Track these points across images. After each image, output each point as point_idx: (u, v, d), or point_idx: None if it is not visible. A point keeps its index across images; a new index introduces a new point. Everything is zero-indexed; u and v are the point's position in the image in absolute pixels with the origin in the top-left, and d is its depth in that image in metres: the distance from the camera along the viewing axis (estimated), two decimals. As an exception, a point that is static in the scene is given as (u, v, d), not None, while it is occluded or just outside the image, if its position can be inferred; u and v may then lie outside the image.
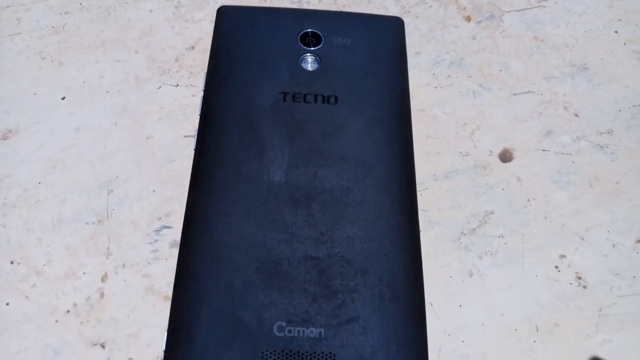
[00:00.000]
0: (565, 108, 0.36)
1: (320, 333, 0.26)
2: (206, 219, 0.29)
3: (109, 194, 0.31)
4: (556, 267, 0.30)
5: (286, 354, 0.26)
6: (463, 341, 0.28)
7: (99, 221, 0.30)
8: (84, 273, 0.29)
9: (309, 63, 0.34)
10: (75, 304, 0.28)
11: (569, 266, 0.30)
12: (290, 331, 0.26)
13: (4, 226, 0.30)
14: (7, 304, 0.28)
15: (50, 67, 0.35)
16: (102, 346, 0.27)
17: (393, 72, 0.34)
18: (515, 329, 0.29)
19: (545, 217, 0.32)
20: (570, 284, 0.30)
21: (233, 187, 0.30)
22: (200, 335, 0.26)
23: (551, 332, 0.29)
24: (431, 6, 0.39)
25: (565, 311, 0.29)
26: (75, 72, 0.35)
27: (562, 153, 0.34)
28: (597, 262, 0.31)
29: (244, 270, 0.27)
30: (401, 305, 0.27)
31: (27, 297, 0.28)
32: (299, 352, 0.26)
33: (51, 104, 0.34)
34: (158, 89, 0.35)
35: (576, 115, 0.35)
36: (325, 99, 0.33)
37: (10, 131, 0.33)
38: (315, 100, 0.33)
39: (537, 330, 0.29)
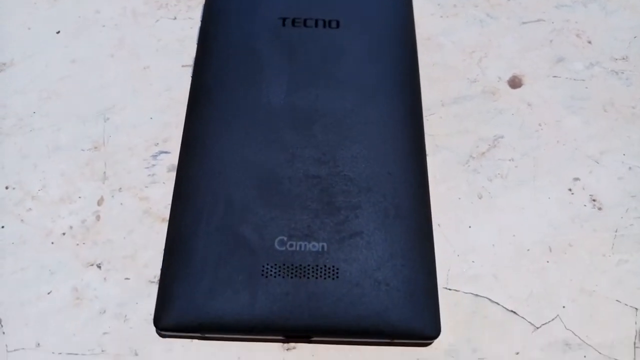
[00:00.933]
0: (577, 35, 0.34)
1: (322, 247, 0.25)
2: (205, 140, 0.28)
3: (105, 121, 0.30)
4: (569, 189, 0.29)
5: (288, 267, 0.25)
6: (473, 262, 0.27)
7: (95, 147, 0.29)
8: (79, 197, 0.28)
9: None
10: (71, 227, 0.27)
11: (583, 189, 0.29)
12: (292, 245, 0.25)
13: (-1, 153, 0.29)
14: (2, 226, 0.27)
15: (45, 3, 0.35)
16: (99, 267, 0.26)
17: (398, 3, 0.33)
18: (528, 250, 0.27)
19: (558, 141, 0.30)
20: (585, 205, 0.29)
21: (232, 109, 0.29)
22: (198, 252, 0.25)
23: (565, 252, 0.27)
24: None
25: (579, 232, 0.28)
26: (70, 6, 0.34)
27: (574, 79, 0.33)
28: (612, 184, 0.29)
29: (243, 188, 0.26)
30: (406, 222, 0.26)
31: (22, 220, 0.27)
32: (300, 265, 0.25)
33: (46, 38, 0.33)
34: (156, 22, 0.34)
35: (589, 42, 0.34)
36: (327, 24, 0.32)
37: (4, 64, 0.32)
38: (316, 25, 0.31)
39: (550, 250, 0.27)
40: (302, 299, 0.24)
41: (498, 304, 0.26)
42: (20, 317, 0.25)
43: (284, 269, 0.25)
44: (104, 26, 0.34)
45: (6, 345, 0.24)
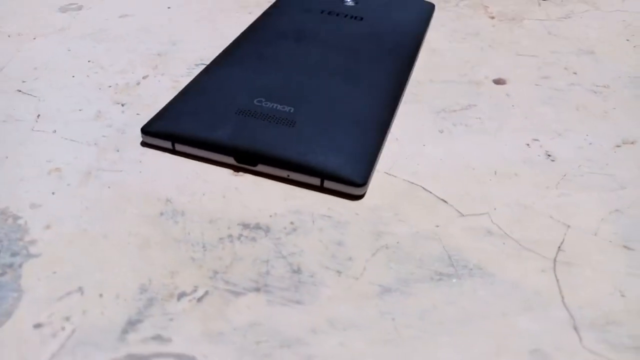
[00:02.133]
0: (565, 68, 0.40)
1: (290, 110, 0.31)
2: (238, 47, 0.37)
3: (173, 44, 0.40)
4: (527, 144, 0.32)
5: (256, 114, 0.30)
6: (418, 164, 0.30)
7: (159, 54, 0.39)
8: (132, 73, 0.36)
9: (349, 2, 0.43)
10: (117, 84, 0.35)
11: (541, 146, 0.32)
12: (266, 104, 0.31)
13: None
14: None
15: None
16: (122, 105, 0.33)
17: (413, 25, 0.42)
18: (473, 168, 0.30)
19: (526, 117, 0.34)
20: (539, 156, 0.31)
21: (268, 35, 0.38)
22: (195, 95, 0.32)
23: (510, 178, 0.29)
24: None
25: (528, 169, 0.30)
26: None
27: (555, 89, 0.37)
28: (570, 149, 0.32)
29: (255, 73, 0.34)
30: (365, 112, 0.31)
31: (88, 76, 0.36)
32: (267, 115, 0.30)
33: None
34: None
35: (575, 73, 0.39)
36: (353, 17, 0.41)
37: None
38: (345, 16, 0.41)
39: (495, 174, 0.30)
40: (257, 132, 0.29)
41: (431, 192, 0.28)
42: (56, 117, 0.32)
43: (252, 114, 0.30)
44: None
45: (32, 129, 0.31)
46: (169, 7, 0.46)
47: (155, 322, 0.22)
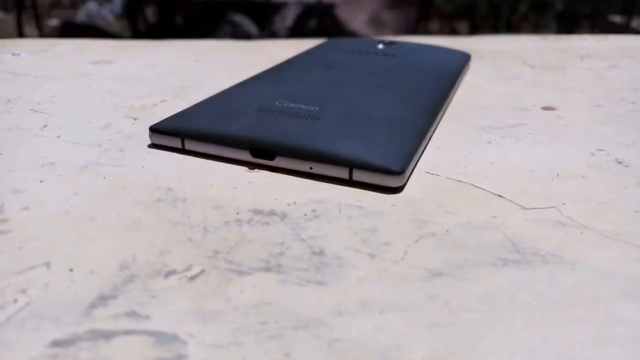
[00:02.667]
0: (622, 99, 0.36)
1: (314, 108, 0.27)
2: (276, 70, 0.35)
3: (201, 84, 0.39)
4: (592, 153, 0.27)
5: (275, 112, 0.27)
6: (465, 166, 0.26)
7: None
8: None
9: (381, 45, 0.42)
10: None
11: (608, 155, 0.27)
12: (288, 104, 0.28)
13: None
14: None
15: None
16: (134, 119, 0.31)
17: (448, 64, 0.40)
18: (531, 171, 0.25)
19: (585, 135, 0.30)
20: (607, 162, 0.26)
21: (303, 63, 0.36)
22: (215, 98, 0.29)
23: (576, 179, 0.25)
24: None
25: (597, 172, 0.25)
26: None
27: (610, 113, 0.33)
28: (644, 157, 0.27)
29: (285, 86, 0.31)
30: (396, 122, 0.27)
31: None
32: (287, 111, 0.27)
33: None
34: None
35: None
36: (385, 55, 0.39)
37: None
38: (377, 54, 0.39)
39: (558, 175, 0.25)
40: (276, 124, 0.26)
41: (482, 189, 0.24)
42: (62, 126, 0.29)
43: (272, 111, 0.27)
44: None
45: (35, 134, 0.28)
46: (197, 60, 0.46)
47: (132, 298, 0.17)
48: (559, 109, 0.34)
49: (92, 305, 0.16)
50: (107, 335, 0.15)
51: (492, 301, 0.17)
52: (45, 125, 0.30)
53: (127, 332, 0.15)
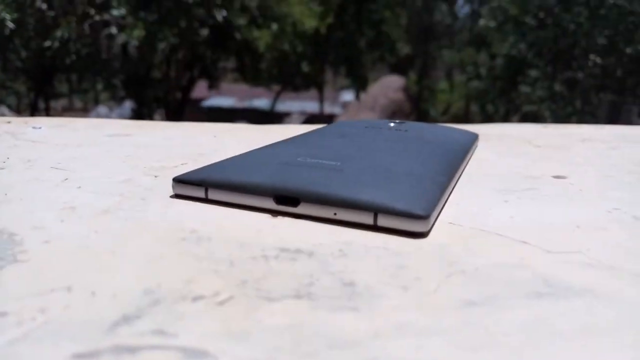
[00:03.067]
0: (630, 172, 0.37)
1: (337, 164, 0.28)
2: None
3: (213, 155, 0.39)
4: (608, 211, 0.28)
5: (297, 165, 0.28)
6: (487, 218, 0.26)
7: (200, 154, 0.38)
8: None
9: (392, 123, 0.43)
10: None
11: (625, 212, 0.27)
12: (310, 160, 0.29)
13: None
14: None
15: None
16: (155, 176, 0.31)
17: (458, 139, 0.41)
18: (551, 223, 0.25)
19: (599, 196, 0.30)
20: (625, 219, 0.26)
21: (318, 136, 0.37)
22: (240, 157, 0.30)
23: (597, 231, 0.25)
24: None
25: (618, 226, 0.25)
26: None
27: (624, 181, 0.34)
28: (662, 215, 0.27)
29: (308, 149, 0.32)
30: (416, 176, 0.28)
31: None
32: (309, 164, 0.27)
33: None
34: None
35: (642, 176, 0.36)
36: (397, 130, 0.41)
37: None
38: (389, 129, 0.41)
39: (579, 227, 0.25)
40: (300, 174, 0.26)
41: (507, 237, 0.23)
42: (83, 180, 0.30)
43: (294, 166, 0.28)
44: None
45: (56, 185, 0.29)
46: (214, 136, 0.48)
47: (157, 319, 0.16)
48: (570, 177, 0.35)
49: (116, 324, 0.16)
50: (132, 350, 0.14)
51: (532, 327, 0.16)
52: (66, 179, 0.30)
53: (153, 347, 0.14)
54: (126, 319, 0.16)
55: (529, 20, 4.63)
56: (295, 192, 0.25)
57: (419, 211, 0.23)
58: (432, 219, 0.23)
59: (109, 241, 0.21)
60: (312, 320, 0.16)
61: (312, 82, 7.87)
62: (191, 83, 6.04)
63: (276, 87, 8.01)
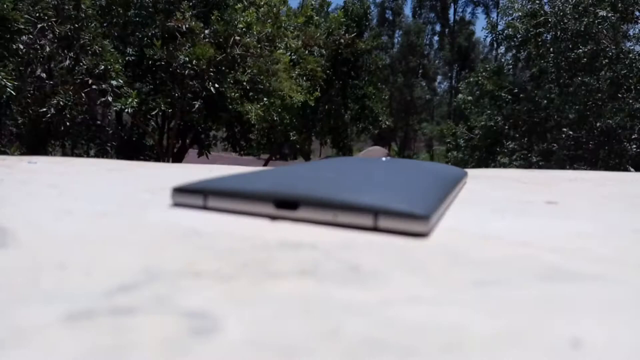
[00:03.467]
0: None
1: (334, 176, 0.28)
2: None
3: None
4: (606, 225, 0.28)
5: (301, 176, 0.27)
6: (486, 227, 0.25)
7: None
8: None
9: (384, 158, 0.44)
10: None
11: (623, 226, 0.27)
12: (307, 174, 0.28)
13: None
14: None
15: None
16: (153, 193, 0.30)
17: (450, 172, 0.42)
18: (552, 232, 0.25)
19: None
20: (623, 230, 0.26)
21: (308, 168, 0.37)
22: (236, 176, 0.29)
23: (595, 238, 0.24)
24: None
25: (614, 237, 0.25)
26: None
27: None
28: (658, 229, 0.27)
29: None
30: (413, 189, 0.28)
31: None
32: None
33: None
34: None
35: (631, 205, 0.36)
36: (389, 162, 0.41)
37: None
38: (382, 162, 0.41)
39: (579, 234, 0.25)
40: (296, 180, 0.26)
41: (509, 239, 0.23)
42: (78, 195, 0.29)
43: (292, 177, 0.27)
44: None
45: (59, 195, 0.28)
46: (210, 170, 0.47)
47: (157, 289, 0.15)
48: (562, 204, 0.35)
49: (113, 292, 0.15)
50: (130, 311, 0.13)
51: (548, 299, 0.15)
52: (62, 194, 0.30)
53: (152, 310, 0.14)
54: (124, 288, 0.15)
55: (504, 94, 4.84)
56: (295, 195, 0.24)
57: (419, 211, 0.23)
58: (433, 220, 0.23)
59: (107, 234, 0.21)
60: (320, 291, 0.15)
61: (300, 151, 8.00)
62: (183, 151, 6.09)
63: (264, 156, 8.09)
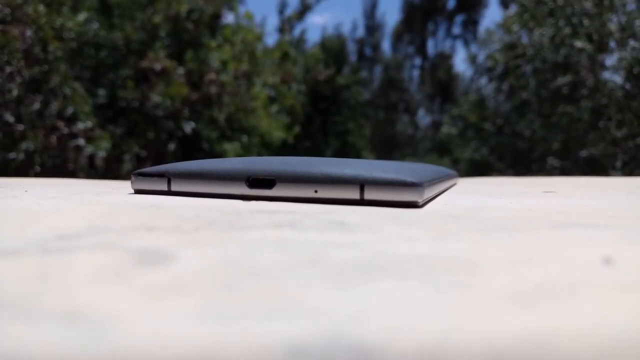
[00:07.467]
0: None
1: (312, 158, 0.26)
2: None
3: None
4: (609, 203, 0.26)
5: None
6: (483, 204, 0.23)
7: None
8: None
9: None
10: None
11: (626, 201, 0.25)
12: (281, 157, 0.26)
13: None
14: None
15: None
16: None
17: (435, 168, 0.40)
18: (554, 207, 0.23)
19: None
20: (626, 203, 0.25)
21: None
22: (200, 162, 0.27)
23: (590, 206, 0.22)
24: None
25: (614, 205, 0.23)
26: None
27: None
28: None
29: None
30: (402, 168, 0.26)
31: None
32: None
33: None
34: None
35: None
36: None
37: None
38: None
39: (582, 209, 0.23)
40: (271, 159, 0.24)
41: (509, 208, 0.21)
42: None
43: (266, 158, 0.25)
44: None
45: (24, 191, 0.25)
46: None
47: (101, 237, 0.13)
48: (559, 193, 0.33)
49: (47, 240, 0.12)
50: (66, 251, 0.11)
51: (566, 238, 0.13)
52: (26, 191, 0.27)
53: (100, 246, 0.11)
54: (62, 237, 0.12)
55: (488, 126, 4.89)
56: (270, 172, 0.22)
57: (410, 179, 0.20)
58: (426, 189, 0.21)
59: (57, 207, 0.18)
60: (298, 237, 0.13)
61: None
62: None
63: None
